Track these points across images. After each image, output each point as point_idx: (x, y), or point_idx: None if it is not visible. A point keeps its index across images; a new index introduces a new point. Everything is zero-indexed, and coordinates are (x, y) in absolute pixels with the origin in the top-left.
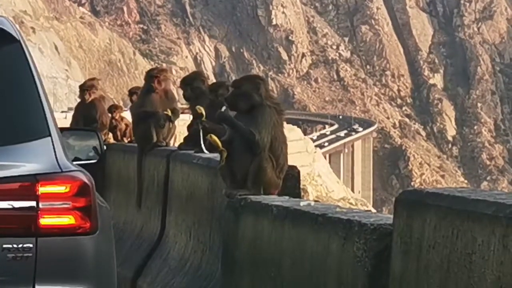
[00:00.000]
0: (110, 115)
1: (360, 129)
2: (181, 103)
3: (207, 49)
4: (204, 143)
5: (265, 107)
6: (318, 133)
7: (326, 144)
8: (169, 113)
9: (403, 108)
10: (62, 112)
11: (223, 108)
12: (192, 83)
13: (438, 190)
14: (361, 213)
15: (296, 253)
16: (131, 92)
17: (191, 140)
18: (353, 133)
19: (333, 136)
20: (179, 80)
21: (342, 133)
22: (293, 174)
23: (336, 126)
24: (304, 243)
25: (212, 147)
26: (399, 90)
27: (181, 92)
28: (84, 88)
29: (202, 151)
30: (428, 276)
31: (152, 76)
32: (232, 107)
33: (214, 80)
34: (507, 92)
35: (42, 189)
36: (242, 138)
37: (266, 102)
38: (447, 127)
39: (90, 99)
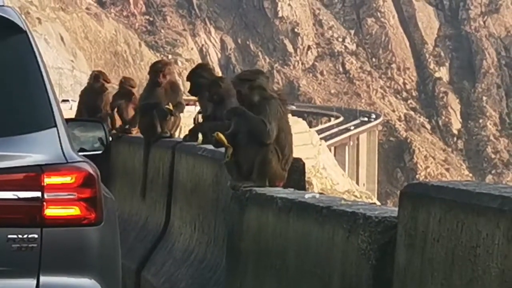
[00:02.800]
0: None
1: (374, 115)
2: (187, 95)
3: (213, 41)
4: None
5: (272, 99)
6: (336, 121)
7: (352, 128)
8: (171, 107)
9: (409, 101)
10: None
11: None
12: (192, 79)
13: (443, 183)
14: (366, 206)
15: (301, 245)
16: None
17: (196, 132)
18: (372, 119)
19: (357, 121)
20: (185, 71)
21: (359, 120)
22: (298, 167)
23: (341, 118)
24: (308, 236)
25: (218, 144)
26: (404, 83)
27: (185, 83)
28: (100, 79)
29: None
30: (433, 269)
31: (157, 70)
32: (244, 101)
33: (220, 72)
34: None
35: (47, 180)
36: (251, 129)
37: (273, 94)
38: (452, 121)
39: (100, 89)
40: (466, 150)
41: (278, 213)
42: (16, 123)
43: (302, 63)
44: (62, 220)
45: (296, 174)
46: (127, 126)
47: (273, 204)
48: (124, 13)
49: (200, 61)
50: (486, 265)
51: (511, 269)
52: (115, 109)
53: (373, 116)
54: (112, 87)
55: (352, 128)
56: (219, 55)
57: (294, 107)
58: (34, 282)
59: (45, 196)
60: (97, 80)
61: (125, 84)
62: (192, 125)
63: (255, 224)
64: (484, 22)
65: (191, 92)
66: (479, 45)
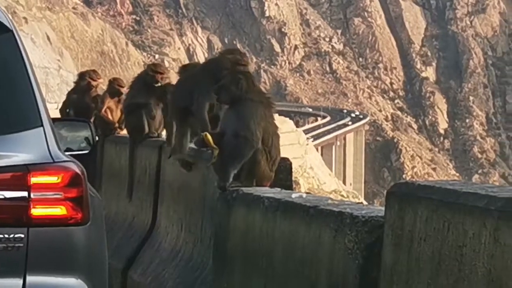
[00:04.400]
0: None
1: (357, 112)
2: None
3: (200, 41)
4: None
5: (249, 101)
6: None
7: (349, 123)
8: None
9: (395, 101)
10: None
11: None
12: None
13: (429, 183)
14: (353, 205)
15: (288, 245)
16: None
17: None
18: (360, 116)
19: (348, 119)
20: (172, 71)
21: (350, 117)
22: (285, 166)
23: (328, 118)
24: (295, 235)
25: (201, 144)
26: (391, 83)
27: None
28: (90, 77)
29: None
30: (419, 268)
31: (156, 72)
32: (217, 99)
33: None
34: (499, 85)
35: (33, 179)
36: (235, 133)
37: (250, 96)
38: (439, 120)
39: (88, 87)
40: (452, 150)
41: (265, 212)
42: (2, 122)
43: (289, 63)
44: (48, 220)
45: (283, 173)
46: (117, 127)
47: (260, 203)
48: (111, 13)
49: (187, 61)
50: (472, 264)
51: (498, 269)
52: (103, 110)
53: (357, 112)
54: (102, 87)
55: (349, 123)
56: (206, 55)
57: (310, 110)
58: (21, 282)
59: (32, 196)
60: (82, 79)
61: (114, 84)
62: None
63: (242, 223)
64: (471, 22)
65: None
66: (466, 44)
